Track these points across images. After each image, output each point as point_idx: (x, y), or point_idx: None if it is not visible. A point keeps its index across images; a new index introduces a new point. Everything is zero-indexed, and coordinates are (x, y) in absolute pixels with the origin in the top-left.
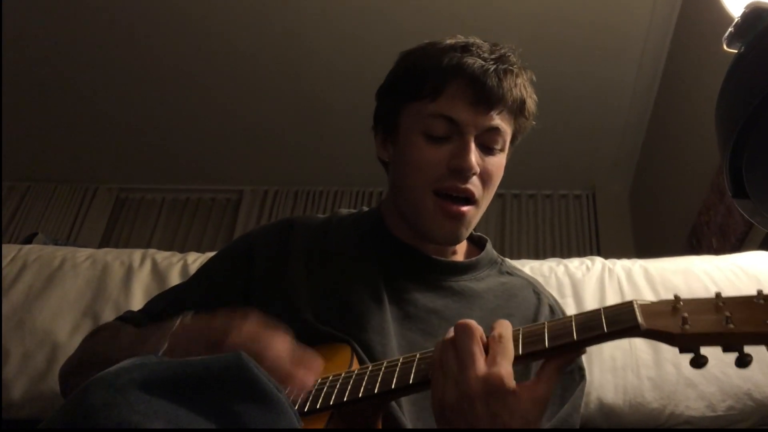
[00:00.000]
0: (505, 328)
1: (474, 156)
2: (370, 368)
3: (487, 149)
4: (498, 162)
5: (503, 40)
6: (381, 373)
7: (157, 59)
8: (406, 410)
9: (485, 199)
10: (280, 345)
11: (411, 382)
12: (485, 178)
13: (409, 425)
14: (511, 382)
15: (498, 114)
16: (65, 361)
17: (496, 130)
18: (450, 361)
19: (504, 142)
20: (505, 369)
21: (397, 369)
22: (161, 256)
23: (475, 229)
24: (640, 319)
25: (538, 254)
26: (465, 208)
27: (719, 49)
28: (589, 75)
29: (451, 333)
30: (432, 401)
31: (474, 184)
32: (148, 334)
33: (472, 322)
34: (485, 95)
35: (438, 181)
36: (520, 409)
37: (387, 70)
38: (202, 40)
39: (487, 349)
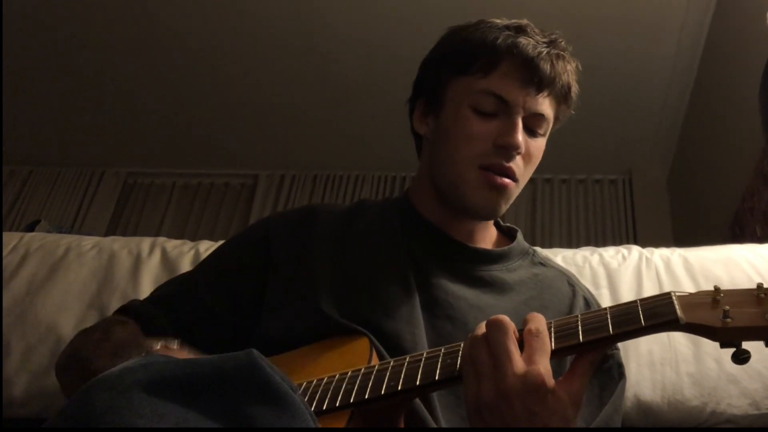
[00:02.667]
0: (540, 321)
1: (521, 135)
2: (392, 363)
3: (531, 131)
4: (539, 145)
5: (536, 14)
6: (404, 369)
7: (168, 35)
8: (438, 402)
9: (524, 178)
10: None
11: (437, 378)
12: (527, 159)
13: (441, 419)
14: (550, 380)
15: (545, 98)
16: (60, 353)
17: (541, 116)
18: (483, 358)
19: (547, 127)
20: (544, 366)
21: (422, 365)
22: (171, 244)
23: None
24: (679, 312)
25: (572, 243)
26: (508, 181)
27: (763, 25)
28: (626, 51)
29: (482, 329)
30: (465, 399)
31: (517, 164)
32: (127, 347)
33: (505, 318)
34: (537, 77)
35: (483, 157)
36: (559, 407)
37: (413, 47)
38: (214, 13)
39: (521, 344)
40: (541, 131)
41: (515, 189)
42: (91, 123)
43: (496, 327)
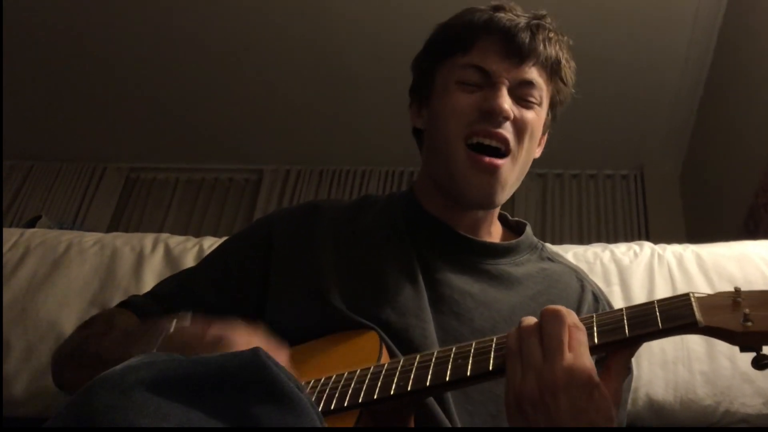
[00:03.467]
0: (575, 316)
1: (506, 101)
2: (401, 362)
3: (522, 101)
4: (534, 116)
5: (546, 6)
6: (414, 369)
7: (171, 28)
8: (451, 394)
9: (521, 154)
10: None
11: (447, 380)
12: (520, 128)
13: (455, 417)
14: (596, 375)
15: (531, 67)
16: (59, 347)
17: (530, 84)
18: (533, 350)
19: (541, 97)
20: (589, 360)
21: (432, 365)
22: (175, 240)
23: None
24: (698, 315)
25: (582, 239)
26: (498, 161)
27: None
28: (637, 43)
29: (530, 320)
30: (507, 393)
31: (507, 130)
32: (139, 333)
33: (563, 308)
34: (517, 47)
35: (469, 125)
36: (604, 405)
37: (421, 40)
38: (218, 6)
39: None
40: (533, 100)
41: (510, 168)
42: (93, 117)
43: (554, 316)
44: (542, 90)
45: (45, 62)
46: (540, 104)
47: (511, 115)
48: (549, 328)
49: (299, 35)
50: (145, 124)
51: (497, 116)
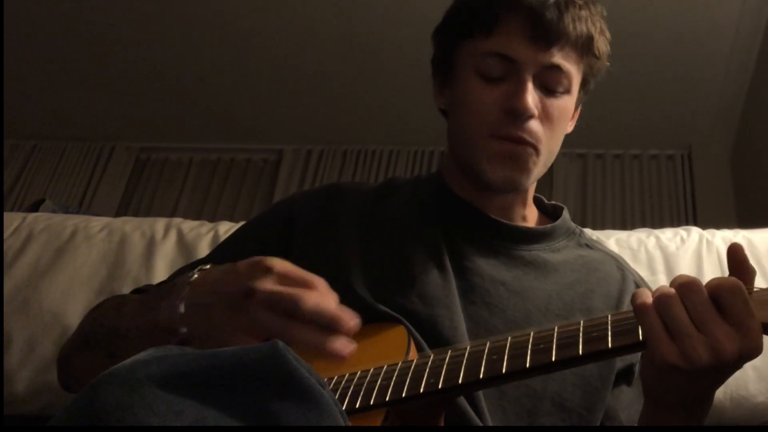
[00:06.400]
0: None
1: (531, 96)
2: (432, 358)
3: (548, 90)
4: (562, 105)
5: None
6: (445, 365)
7: None
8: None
9: (548, 145)
10: (322, 288)
11: (481, 377)
12: (546, 121)
13: (487, 414)
14: None
15: (559, 51)
16: (65, 343)
17: (557, 69)
18: (683, 317)
19: (569, 83)
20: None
21: (464, 361)
22: (188, 226)
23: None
24: (753, 311)
25: (626, 224)
26: (522, 147)
27: None
28: (685, 15)
29: (666, 290)
30: (666, 374)
31: (531, 129)
32: (161, 293)
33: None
34: (543, 29)
35: (493, 127)
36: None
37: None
38: None
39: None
40: (561, 88)
41: (534, 155)
42: (100, 93)
43: (690, 289)
44: (571, 75)
45: (49, 34)
46: (569, 91)
47: (536, 113)
48: (694, 297)
49: (323, 8)
50: (156, 100)
51: (521, 115)
